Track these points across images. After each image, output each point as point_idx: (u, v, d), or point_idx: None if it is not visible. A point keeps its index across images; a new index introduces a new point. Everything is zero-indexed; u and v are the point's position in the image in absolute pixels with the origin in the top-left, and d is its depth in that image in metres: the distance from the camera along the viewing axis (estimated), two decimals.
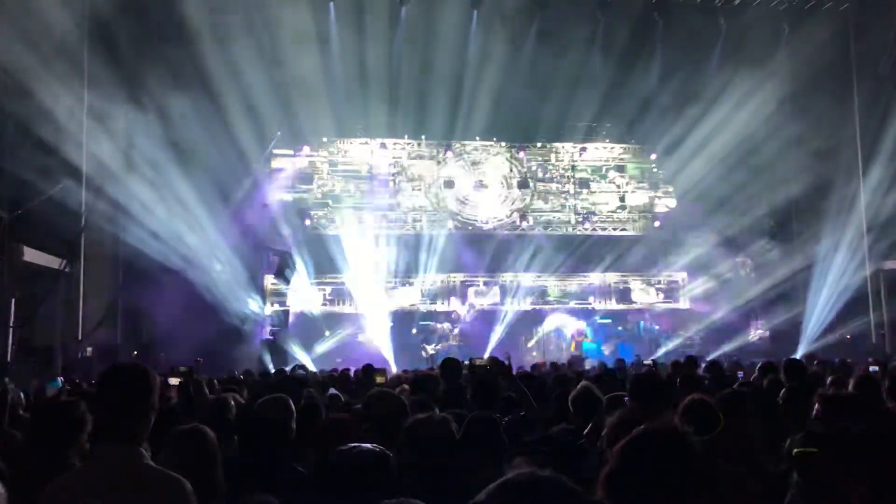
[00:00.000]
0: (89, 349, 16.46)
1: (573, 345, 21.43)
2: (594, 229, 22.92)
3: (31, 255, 15.25)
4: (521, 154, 22.91)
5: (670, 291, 22.84)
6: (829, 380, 6.81)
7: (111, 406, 2.78)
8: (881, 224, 18.46)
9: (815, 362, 11.34)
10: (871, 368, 9.61)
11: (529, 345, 21.72)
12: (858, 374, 5.51)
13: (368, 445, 2.88)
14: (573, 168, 23.28)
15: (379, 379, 8.66)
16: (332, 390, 7.95)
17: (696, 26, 19.45)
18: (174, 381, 7.38)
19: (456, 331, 20.97)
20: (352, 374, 11.05)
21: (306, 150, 21.74)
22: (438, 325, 21.02)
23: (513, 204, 22.79)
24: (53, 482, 2.72)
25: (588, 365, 16.06)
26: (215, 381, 8.85)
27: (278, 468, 3.81)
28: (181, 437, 3.49)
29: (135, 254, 17.02)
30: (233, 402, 5.43)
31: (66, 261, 16.23)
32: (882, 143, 18.40)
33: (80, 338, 16.58)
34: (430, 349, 20.18)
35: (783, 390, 4.92)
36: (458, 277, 22.09)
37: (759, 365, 8.60)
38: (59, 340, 16.14)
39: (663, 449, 2.08)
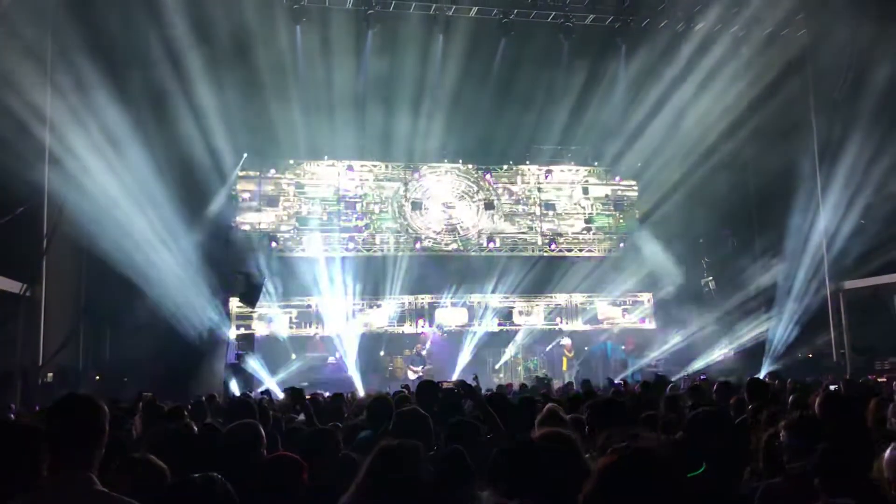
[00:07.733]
0: (50, 375, 16.12)
1: (564, 362, 21.48)
2: (560, 251, 23.09)
3: None
4: (488, 176, 23.05)
5: (635, 311, 23.00)
6: (789, 399, 6.92)
7: (61, 437, 2.79)
8: (841, 244, 18.76)
9: (776, 381, 11.50)
10: (831, 387, 9.75)
11: (497, 366, 21.71)
12: (819, 394, 5.58)
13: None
14: (539, 190, 23.47)
15: None
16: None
17: (658, 51, 19.77)
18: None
19: (424, 352, 20.93)
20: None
21: (272, 172, 21.65)
22: (418, 347, 20.99)
23: (479, 226, 22.87)
24: None
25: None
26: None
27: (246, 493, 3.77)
28: (128, 467, 3.45)
29: (98, 277, 16.75)
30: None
31: (26, 285, 15.94)
32: (839, 164, 18.78)
33: (40, 363, 16.24)
34: (419, 370, 20.10)
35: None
36: (426, 299, 22.08)
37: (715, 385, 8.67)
38: (20, 366, 15.79)
39: (645, 470, 2.09)
